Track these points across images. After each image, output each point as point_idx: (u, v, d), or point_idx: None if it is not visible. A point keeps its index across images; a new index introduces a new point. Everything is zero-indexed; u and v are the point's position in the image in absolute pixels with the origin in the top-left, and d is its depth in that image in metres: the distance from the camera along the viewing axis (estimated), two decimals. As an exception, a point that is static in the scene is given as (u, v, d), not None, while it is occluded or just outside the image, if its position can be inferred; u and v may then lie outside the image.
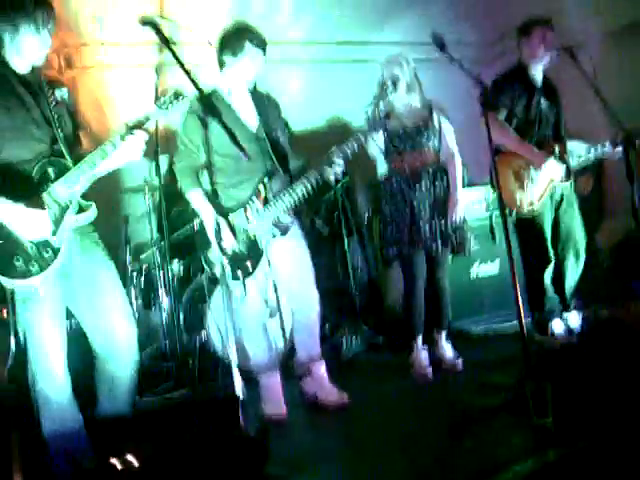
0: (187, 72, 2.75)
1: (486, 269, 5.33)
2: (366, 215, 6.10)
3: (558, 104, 4.52)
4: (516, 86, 4.38)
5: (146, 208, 5.14)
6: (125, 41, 5.46)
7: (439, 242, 4.16)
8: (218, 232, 3.57)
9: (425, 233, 4.13)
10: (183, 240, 4.92)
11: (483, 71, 5.82)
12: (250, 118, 3.74)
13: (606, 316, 4.63)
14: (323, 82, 6.50)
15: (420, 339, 4.26)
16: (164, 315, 4.80)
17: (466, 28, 7.11)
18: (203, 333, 4.68)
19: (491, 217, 5.43)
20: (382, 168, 4.29)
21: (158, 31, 2.78)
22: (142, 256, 5.14)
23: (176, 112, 3.16)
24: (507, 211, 4.24)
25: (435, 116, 4.28)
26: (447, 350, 4.28)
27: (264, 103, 3.80)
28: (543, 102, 4.41)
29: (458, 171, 4.28)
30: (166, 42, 2.78)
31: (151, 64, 5.18)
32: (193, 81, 2.75)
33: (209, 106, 2.92)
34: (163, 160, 4.86)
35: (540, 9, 6.73)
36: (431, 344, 4.32)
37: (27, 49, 2.90)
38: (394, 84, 4.07)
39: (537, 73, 4.48)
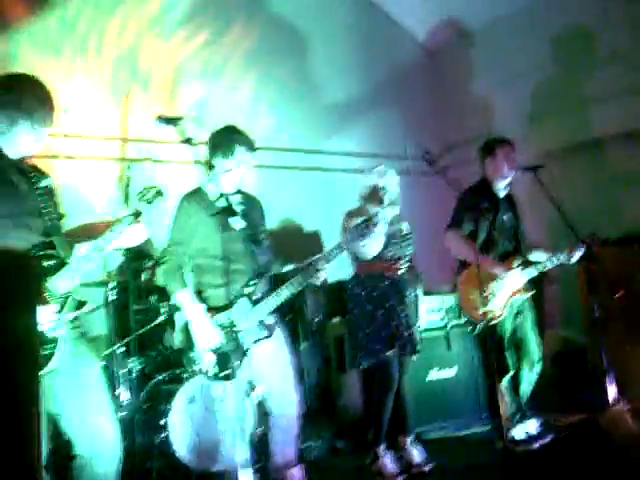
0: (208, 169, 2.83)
1: (443, 374, 5.43)
2: (317, 319, 6.14)
3: (518, 217, 4.80)
4: (481, 202, 4.65)
5: (103, 301, 5.04)
6: (88, 133, 5.51)
7: (411, 347, 4.26)
8: (205, 332, 3.57)
9: (410, 338, 4.25)
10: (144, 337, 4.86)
11: (428, 182, 6.23)
12: (236, 220, 3.81)
13: (562, 423, 4.81)
14: (277, 185, 6.68)
15: (383, 445, 4.28)
16: (123, 414, 4.66)
17: (413, 144, 7.52)
18: (163, 434, 4.56)
19: (446, 325, 5.56)
20: (348, 273, 4.41)
21: (179, 130, 2.87)
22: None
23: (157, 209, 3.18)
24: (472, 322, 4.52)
25: (404, 227, 4.48)
26: (415, 454, 4.31)
27: (249, 205, 3.89)
28: (506, 216, 4.68)
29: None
30: (188, 141, 2.88)
31: (113, 157, 5.36)
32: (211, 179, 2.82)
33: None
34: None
35: (480, 128, 7.32)
36: (396, 449, 4.34)
37: (22, 143, 2.95)
38: (383, 194, 4.27)
39: (500, 189, 4.76)
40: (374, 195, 4.39)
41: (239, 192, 3.89)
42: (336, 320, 5.74)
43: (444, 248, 4.77)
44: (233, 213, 3.81)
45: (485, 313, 4.45)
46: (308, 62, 7.02)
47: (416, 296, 4.47)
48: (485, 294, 4.49)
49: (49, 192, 3.04)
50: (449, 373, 5.47)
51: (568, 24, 6.77)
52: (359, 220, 3.97)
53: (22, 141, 2.93)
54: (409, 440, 4.38)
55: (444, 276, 5.43)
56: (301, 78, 6.94)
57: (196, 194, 3.79)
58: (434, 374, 5.39)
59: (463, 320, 5.54)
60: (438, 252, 4.90)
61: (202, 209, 3.70)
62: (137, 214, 3.03)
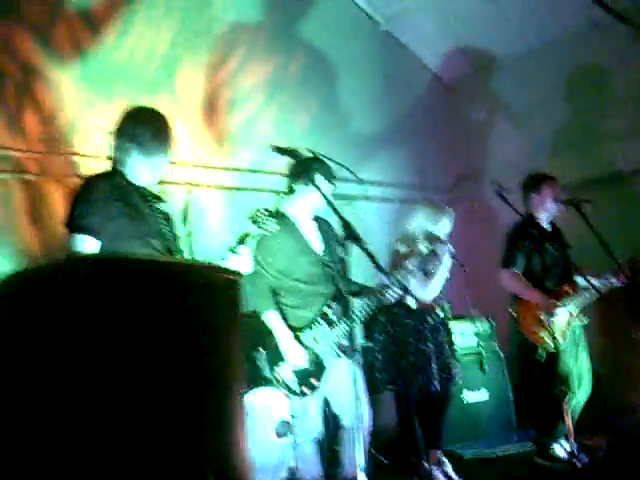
0: (328, 200, 3.05)
1: (476, 397, 5.66)
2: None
3: (565, 247, 5.06)
4: (530, 237, 4.89)
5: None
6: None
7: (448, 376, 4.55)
8: (294, 352, 3.77)
9: (440, 373, 4.51)
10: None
11: None
12: (316, 244, 4.04)
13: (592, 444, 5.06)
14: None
15: (425, 462, 4.50)
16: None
17: (427, 173, 7.84)
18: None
19: (480, 349, 5.80)
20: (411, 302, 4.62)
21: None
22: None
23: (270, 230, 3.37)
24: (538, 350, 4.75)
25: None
26: (450, 471, 4.52)
27: (326, 230, 4.12)
28: (554, 249, 4.94)
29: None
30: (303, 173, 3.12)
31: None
32: (334, 208, 3.03)
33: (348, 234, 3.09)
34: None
35: (497, 160, 7.63)
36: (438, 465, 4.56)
37: (139, 172, 3.17)
38: (435, 228, 4.51)
39: (546, 222, 5.05)
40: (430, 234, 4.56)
41: (317, 218, 4.12)
42: (369, 344, 5.90)
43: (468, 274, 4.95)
44: (312, 237, 4.04)
45: (544, 337, 4.74)
46: (336, 93, 7.26)
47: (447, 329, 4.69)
48: (544, 321, 4.75)
49: (166, 215, 3.26)
50: (481, 396, 5.69)
51: (584, 61, 7.15)
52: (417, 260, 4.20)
53: (138, 171, 3.15)
54: (439, 453, 4.60)
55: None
56: (329, 108, 7.16)
57: (280, 217, 3.98)
58: (467, 396, 5.60)
59: (495, 345, 5.82)
60: (464, 277, 5.08)
61: (285, 231, 3.91)
62: (241, 240, 3.24)
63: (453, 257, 4.65)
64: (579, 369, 4.89)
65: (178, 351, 1.95)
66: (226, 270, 2.40)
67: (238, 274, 2.26)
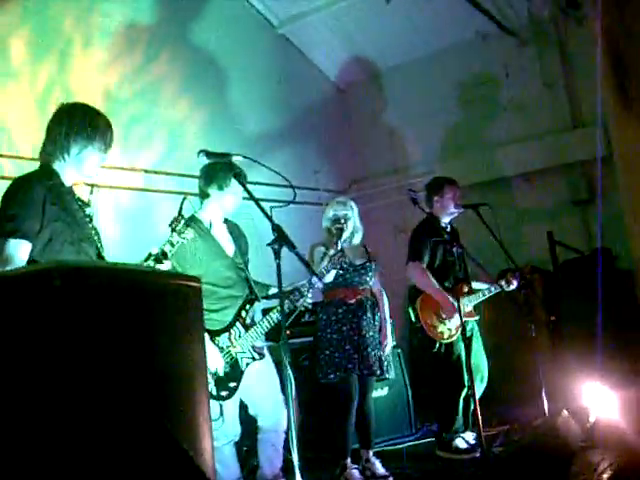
0: (260, 206, 3.08)
1: (376, 394, 5.81)
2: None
3: (463, 248, 5.30)
4: (433, 236, 5.10)
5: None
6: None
7: (378, 368, 4.63)
8: (212, 355, 3.77)
9: (372, 359, 4.58)
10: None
11: None
12: (228, 247, 4.06)
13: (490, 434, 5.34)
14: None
15: (349, 459, 4.61)
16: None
17: (322, 177, 7.99)
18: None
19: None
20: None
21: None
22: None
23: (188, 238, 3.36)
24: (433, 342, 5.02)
25: (370, 254, 4.85)
26: (378, 467, 4.65)
27: (236, 233, 4.15)
28: (453, 249, 5.16)
29: (386, 305, 4.87)
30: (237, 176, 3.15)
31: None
32: (265, 214, 3.07)
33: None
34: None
35: (388, 164, 7.88)
36: (358, 462, 4.68)
37: (90, 165, 3.07)
38: (346, 224, 4.61)
39: (446, 224, 5.29)
40: (335, 226, 4.68)
41: (226, 221, 4.13)
42: (272, 344, 5.93)
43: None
44: (224, 241, 4.05)
45: (442, 332, 5.01)
46: (230, 96, 7.26)
47: (378, 320, 4.80)
48: (443, 317, 5.01)
49: (91, 219, 3.17)
50: (381, 393, 5.85)
51: (473, 72, 7.54)
52: (332, 252, 4.34)
53: (89, 164, 3.05)
54: (371, 453, 4.72)
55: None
56: (223, 111, 7.15)
57: (192, 222, 3.92)
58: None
59: (393, 342, 5.99)
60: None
61: (199, 236, 3.89)
62: (164, 254, 3.16)
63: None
64: (476, 361, 5.14)
65: (145, 354, 1.96)
66: (185, 277, 2.39)
67: (198, 280, 2.26)
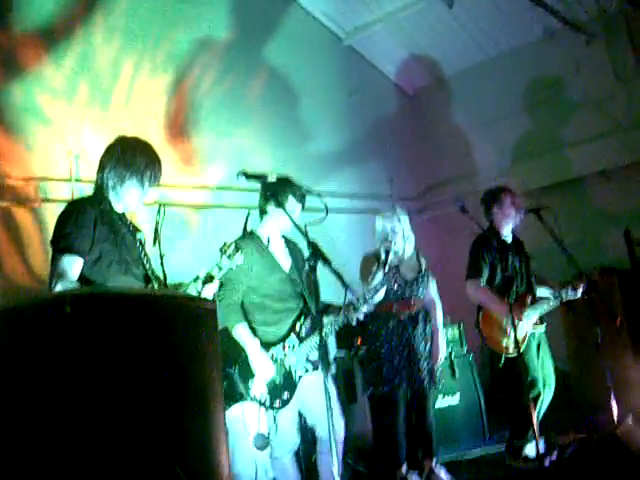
0: (295, 224, 3.17)
1: (447, 401, 5.80)
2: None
3: (527, 258, 5.22)
4: (492, 250, 5.01)
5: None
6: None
7: (429, 379, 4.64)
8: (263, 364, 3.88)
9: (423, 372, 4.60)
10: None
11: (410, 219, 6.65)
12: (284, 262, 4.16)
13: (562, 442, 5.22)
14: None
15: (405, 467, 4.62)
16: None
17: (395, 185, 8.00)
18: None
19: (450, 354, 5.94)
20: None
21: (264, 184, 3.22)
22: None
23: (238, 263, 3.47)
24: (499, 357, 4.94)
25: (423, 264, 4.85)
26: (443, 475, 4.65)
27: (294, 249, 4.25)
28: (515, 259, 5.09)
29: (440, 315, 4.88)
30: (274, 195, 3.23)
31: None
32: (301, 230, 3.15)
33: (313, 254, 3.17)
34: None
35: (460, 169, 7.81)
36: (421, 471, 4.68)
37: (129, 199, 3.28)
38: (395, 237, 4.64)
39: (508, 233, 5.20)
40: (384, 244, 4.70)
41: (284, 237, 4.24)
42: (343, 354, 6.01)
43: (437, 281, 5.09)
44: (281, 256, 4.16)
45: (507, 347, 4.92)
46: (300, 109, 7.39)
47: (430, 332, 4.80)
48: (506, 330, 4.92)
49: (143, 245, 3.36)
50: (453, 400, 5.83)
51: (542, 72, 7.40)
52: (381, 274, 4.37)
53: (129, 198, 3.26)
54: (434, 462, 4.72)
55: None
56: (294, 124, 7.29)
57: (251, 236, 4.14)
58: (439, 401, 5.74)
59: (464, 350, 5.99)
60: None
61: (256, 251, 4.03)
62: (211, 277, 3.32)
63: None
64: (544, 372, 5.05)
65: (161, 376, 2.06)
66: (202, 299, 2.50)
67: (213, 302, 2.36)
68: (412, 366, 4.61)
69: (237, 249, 3.39)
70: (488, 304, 4.99)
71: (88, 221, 3.06)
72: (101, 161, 3.29)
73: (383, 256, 4.52)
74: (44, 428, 1.90)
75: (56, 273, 2.96)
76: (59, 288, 2.87)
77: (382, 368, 4.64)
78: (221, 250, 3.38)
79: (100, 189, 3.27)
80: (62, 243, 3.01)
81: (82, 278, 3.00)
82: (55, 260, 3.01)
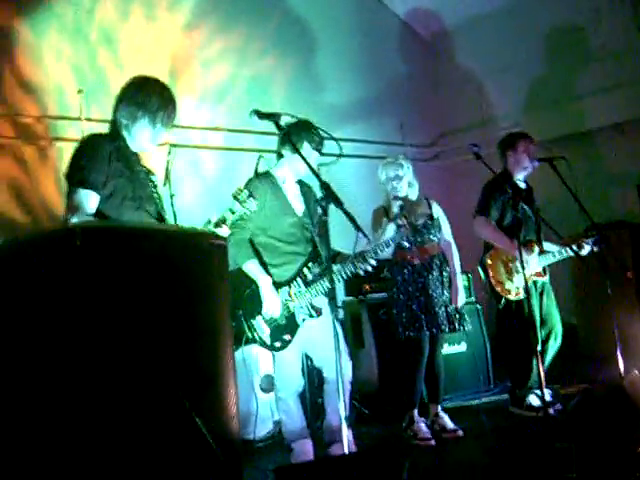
0: (309, 165, 3.14)
1: (453, 349, 5.84)
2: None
3: (537, 208, 5.19)
4: (504, 192, 4.99)
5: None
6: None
7: (448, 325, 4.64)
8: (273, 300, 3.94)
9: (440, 317, 4.60)
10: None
11: (422, 168, 6.62)
12: (297, 206, 4.15)
13: (566, 392, 5.27)
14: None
15: (416, 411, 4.67)
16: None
17: (407, 132, 7.91)
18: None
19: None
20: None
21: (278, 126, 3.19)
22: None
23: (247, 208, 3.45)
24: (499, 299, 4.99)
25: (434, 209, 4.82)
26: (447, 421, 4.69)
27: (307, 193, 4.22)
28: (526, 206, 5.06)
29: (456, 259, 4.84)
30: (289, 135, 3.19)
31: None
32: (314, 172, 3.12)
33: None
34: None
35: (474, 117, 7.70)
36: (427, 416, 4.74)
37: (141, 139, 3.25)
38: (398, 182, 4.61)
39: (520, 180, 5.17)
40: (389, 188, 4.70)
41: (299, 181, 4.21)
42: (352, 299, 6.03)
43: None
44: (295, 200, 4.14)
45: (509, 289, 4.93)
46: (314, 51, 7.29)
47: (448, 276, 4.79)
48: (510, 272, 4.96)
49: (156, 185, 3.36)
50: (459, 348, 5.87)
51: (560, 20, 7.24)
52: (412, 226, 4.33)
53: (141, 137, 3.22)
54: (439, 408, 4.76)
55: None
56: (307, 66, 7.19)
57: (266, 177, 4.11)
58: (445, 349, 5.75)
59: (473, 298, 6.00)
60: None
61: (270, 191, 4.01)
62: (223, 220, 3.33)
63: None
64: (550, 322, 5.06)
65: (172, 311, 2.08)
66: (213, 235, 2.49)
67: (224, 239, 2.36)
68: (429, 311, 4.62)
69: (250, 195, 3.37)
70: (495, 239, 5.02)
71: (103, 156, 3.04)
72: (116, 99, 3.26)
73: (395, 209, 4.50)
74: (52, 360, 1.91)
75: (71, 206, 2.96)
76: (75, 221, 2.86)
77: (402, 315, 4.65)
78: (234, 196, 3.37)
79: (115, 127, 3.25)
80: (77, 176, 3.00)
81: (96, 212, 2.99)
82: (70, 193, 3.00)
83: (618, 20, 6.87)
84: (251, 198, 3.38)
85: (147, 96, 3.18)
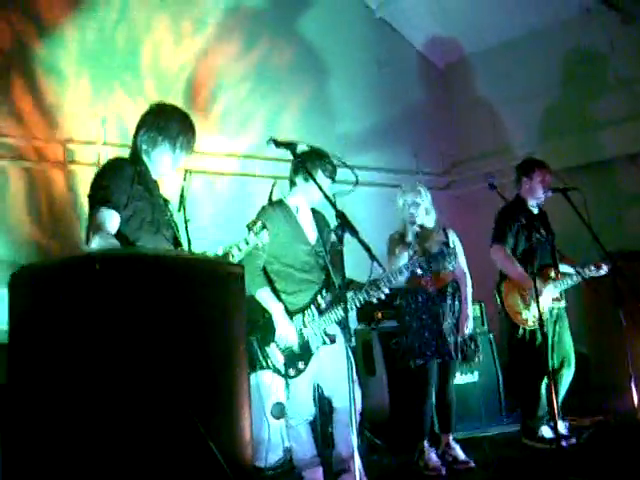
0: (324, 193, 3.16)
1: (466, 379, 5.80)
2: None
3: (551, 233, 5.20)
4: (518, 220, 5.02)
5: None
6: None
7: (458, 353, 4.62)
8: (286, 328, 3.96)
9: (451, 345, 4.58)
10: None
11: (435, 196, 6.60)
12: (310, 234, 4.17)
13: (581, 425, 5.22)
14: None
15: (427, 441, 4.63)
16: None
17: (421, 160, 7.94)
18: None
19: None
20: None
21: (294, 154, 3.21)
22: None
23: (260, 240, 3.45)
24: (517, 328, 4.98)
25: (451, 237, 4.82)
26: (459, 451, 4.66)
27: (321, 222, 4.24)
28: (540, 233, 5.06)
29: (469, 288, 4.83)
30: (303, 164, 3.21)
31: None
32: (330, 201, 3.13)
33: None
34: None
35: (488, 146, 7.71)
36: (438, 446, 4.70)
37: (160, 164, 3.30)
38: (416, 208, 4.62)
39: (534, 206, 5.17)
40: (406, 214, 4.71)
41: (312, 209, 4.23)
42: (364, 326, 6.01)
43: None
44: (308, 228, 4.16)
45: (526, 319, 4.95)
46: (329, 80, 7.35)
47: (459, 306, 4.78)
48: (526, 302, 4.96)
49: (171, 213, 3.39)
50: (471, 378, 5.83)
51: (576, 49, 7.28)
52: (427, 254, 4.40)
53: (161, 163, 3.28)
54: (451, 438, 4.73)
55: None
56: (322, 95, 7.25)
57: (280, 205, 4.15)
58: (457, 378, 5.71)
59: (485, 328, 5.99)
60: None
61: (283, 219, 4.04)
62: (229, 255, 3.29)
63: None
64: (563, 349, 5.05)
65: (188, 338, 2.10)
66: (229, 263, 2.51)
67: (240, 266, 2.37)
68: (440, 340, 4.60)
69: (263, 226, 3.39)
70: (511, 271, 5.02)
71: (126, 177, 3.10)
72: (137, 125, 3.32)
73: (410, 237, 4.52)
74: (70, 386, 1.92)
75: (94, 225, 2.97)
76: (97, 240, 2.89)
77: (414, 342, 4.64)
78: (248, 227, 3.39)
79: (135, 152, 3.30)
80: (100, 195, 3.04)
81: (116, 233, 3.02)
82: (93, 212, 3.03)
83: (631, 49, 6.89)
84: (264, 230, 3.39)
85: (167, 122, 3.25)
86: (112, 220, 2.99)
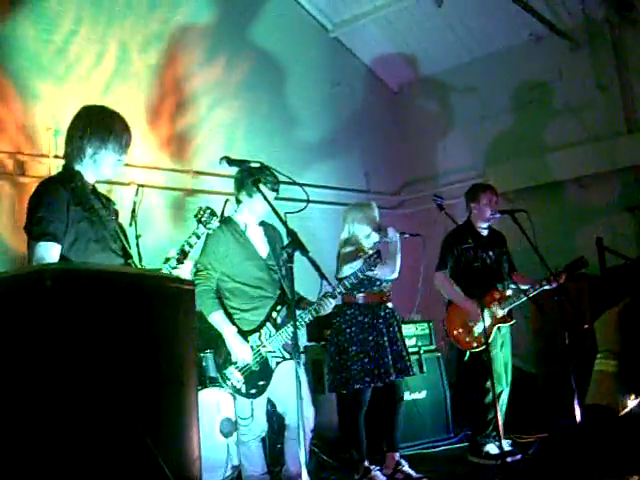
0: (273, 209, 3.17)
1: (414, 396, 5.86)
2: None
3: (505, 252, 5.30)
4: (463, 242, 5.11)
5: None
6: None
7: (400, 367, 4.69)
8: (240, 350, 3.93)
9: (388, 364, 4.63)
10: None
11: (387, 215, 6.71)
12: (261, 248, 4.17)
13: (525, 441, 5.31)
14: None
15: (367, 461, 4.67)
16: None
17: (372, 179, 8.04)
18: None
19: (419, 351, 5.99)
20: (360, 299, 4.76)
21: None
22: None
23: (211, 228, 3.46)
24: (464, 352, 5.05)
25: (390, 234, 4.84)
26: (409, 469, 4.69)
27: (272, 235, 4.25)
28: (491, 252, 5.16)
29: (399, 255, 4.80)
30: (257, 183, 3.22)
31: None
32: (280, 218, 3.15)
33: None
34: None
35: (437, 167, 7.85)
36: (384, 465, 4.73)
37: (106, 166, 3.16)
38: (375, 225, 4.69)
39: (484, 229, 5.28)
40: (371, 225, 4.75)
41: (262, 223, 4.24)
42: (314, 344, 6.04)
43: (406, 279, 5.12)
44: (259, 243, 4.17)
45: (470, 342, 5.03)
46: (284, 97, 7.39)
47: (392, 315, 4.82)
48: (470, 326, 5.03)
49: (117, 215, 3.29)
50: (419, 396, 5.89)
51: (527, 75, 7.48)
52: (369, 252, 4.40)
53: (105, 165, 3.14)
54: (397, 455, 4.77)
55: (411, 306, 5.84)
56: (277, 111, 7.28)
57: (228, 223, 4.14)
58: (405, 396, 5.77)
59: (433, 347, 6.06)
60: (404, 283, 5.23)
61: (233, 237, 4.04)
62: (184, 254, 3.26)
63: (402, 233, 4.84)
64: (505, 370, 5.14)
65: (137, 354, 2.09)
66: (180, 280, 2.51)
67: (192, 283, 2.38)
68: (381, 360, 4.62)
69: (212, 214, 3.37)
70: (450, 294, 5.13)
71: (61, 203, 2.93)
72: (69, 132, 3.15)
73: (366, 244, 4.55)
74: (21, 402, 1.90)
75: (34, 260, 2.87)
76: None
77: (350, 367, 4.63)
78: (196, 217, 3.37)
79: (69, 163, 3.15)
80: (36, 230, 2.89)
81: (61, 260, 2.90)
82: (31, 247, 2.90)
83: (579, 76, 7.11)
84: (214, 217, 3.37)
85: (112, 121, 3.14)
86: (51, 252, 2.86)
